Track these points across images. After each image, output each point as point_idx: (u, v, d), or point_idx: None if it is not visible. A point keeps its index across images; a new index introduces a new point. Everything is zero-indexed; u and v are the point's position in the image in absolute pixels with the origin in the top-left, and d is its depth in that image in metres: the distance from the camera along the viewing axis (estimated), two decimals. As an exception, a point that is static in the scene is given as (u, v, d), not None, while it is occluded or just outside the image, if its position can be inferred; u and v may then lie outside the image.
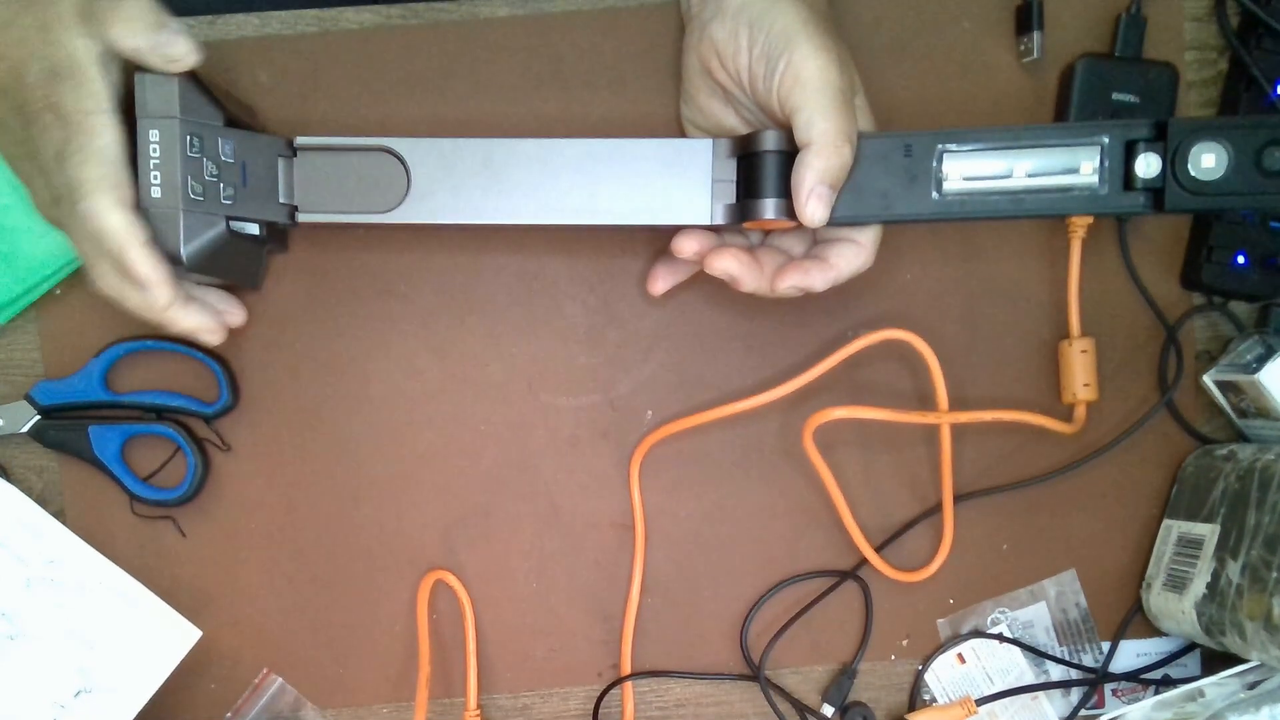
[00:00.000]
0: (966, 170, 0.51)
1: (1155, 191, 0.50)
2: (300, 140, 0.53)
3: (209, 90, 0.51)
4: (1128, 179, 0.51)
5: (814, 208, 0.49)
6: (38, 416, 0.59)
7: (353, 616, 0.61)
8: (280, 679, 0.61)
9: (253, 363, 0.60)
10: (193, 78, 0.50)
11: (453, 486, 0.61)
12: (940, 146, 0.51)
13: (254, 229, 0.53)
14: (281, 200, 0.53)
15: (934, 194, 0.51)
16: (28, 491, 0.59)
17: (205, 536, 0.61)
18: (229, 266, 0.53)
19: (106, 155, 0.48)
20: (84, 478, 0.60)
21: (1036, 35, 0.58)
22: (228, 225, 0.51)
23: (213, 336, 0.53)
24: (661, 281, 0.57)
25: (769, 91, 0.50)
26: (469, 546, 0.61)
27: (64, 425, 0.59)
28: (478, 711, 0.61)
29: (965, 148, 0.51)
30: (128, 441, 0.60)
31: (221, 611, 0.61)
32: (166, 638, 0.58)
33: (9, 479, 0.59)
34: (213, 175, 0.50)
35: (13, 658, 0.57)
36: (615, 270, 0.60)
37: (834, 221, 0.52)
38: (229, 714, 0.61)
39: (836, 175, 0.49)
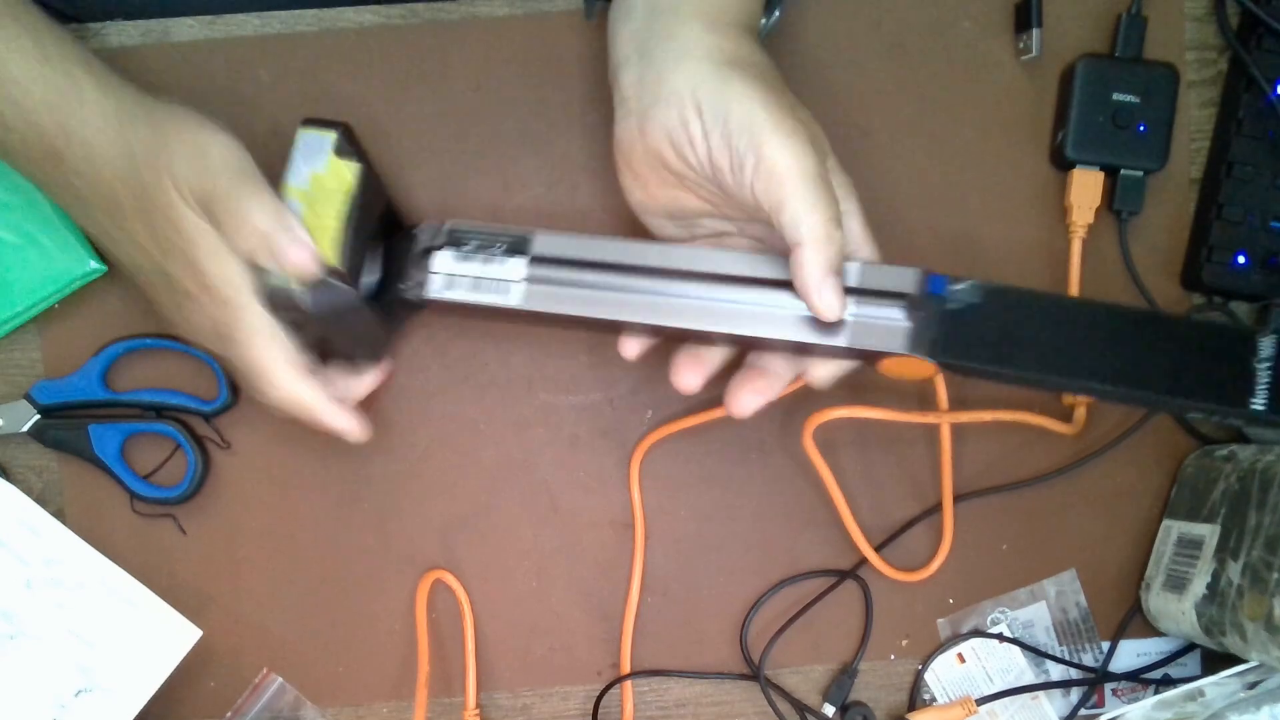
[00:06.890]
0: None
1: None
2: (452, 223, 0.53)
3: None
4: None
5: (828, 300, 0.48)
6: (38, 416, 0.59)
7: (352, 616, 0.61)
8: (280, 679, 0.61)
9: (253, 362, 0.60)
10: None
11: (452, 486, 0.61)
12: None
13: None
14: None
15: None
16: (28, 491, 0.59)
17: (205, 535, 0.61)
18: (356, 336, 0.54)
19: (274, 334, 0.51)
20: (84, 477, 0.60)
21: (1035, 32, 0.58)
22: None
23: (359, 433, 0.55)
24: (690, 377, 0.54)
25: (740, 186, 0.48)
26: (468, 546, 0.61)
27: (64, 424, 0.59)
28: (477, 711, 0.61)
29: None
30: (127, 440, 0.60)
31: (221, 611, 0.61)
32: (166, 637, 0.58)
33: (9, 479, 0.59)
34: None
35: (13, 658, 0.57)
36: (615, 270, 0.60)
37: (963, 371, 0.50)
38: (229, 714, 0.61)
39: (838, 263, 0.48)
